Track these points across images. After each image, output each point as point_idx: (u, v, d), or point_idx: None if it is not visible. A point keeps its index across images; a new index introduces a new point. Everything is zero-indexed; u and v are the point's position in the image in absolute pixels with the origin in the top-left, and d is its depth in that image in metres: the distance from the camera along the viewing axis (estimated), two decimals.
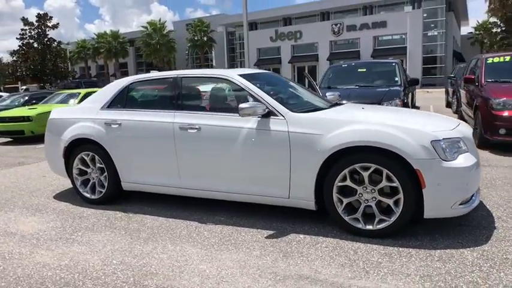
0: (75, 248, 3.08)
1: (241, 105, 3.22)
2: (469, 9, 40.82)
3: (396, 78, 7.24)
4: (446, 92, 13.79)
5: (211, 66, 50.21)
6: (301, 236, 3.10)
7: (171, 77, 3.88)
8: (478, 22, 42.27)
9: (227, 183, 3.47)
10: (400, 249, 2.78)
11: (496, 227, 3.07)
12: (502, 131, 5.63)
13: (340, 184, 3.03)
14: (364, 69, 7.71)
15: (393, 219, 2.90)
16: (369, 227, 2.98)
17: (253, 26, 44.42)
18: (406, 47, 31.67)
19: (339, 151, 2.96)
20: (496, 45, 24.81)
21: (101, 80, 28.48)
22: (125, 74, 50.18)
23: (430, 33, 33.17)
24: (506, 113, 5.63)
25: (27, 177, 5.69)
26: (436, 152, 2.77)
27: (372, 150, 2.90)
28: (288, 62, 39.75)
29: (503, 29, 24.78)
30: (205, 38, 43.90)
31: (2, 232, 3.52)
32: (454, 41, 35.96)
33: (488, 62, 6.84)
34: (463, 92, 8.70)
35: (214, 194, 3.58)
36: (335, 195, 3.05)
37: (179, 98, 3.74)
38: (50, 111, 10.11)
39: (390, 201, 2.90)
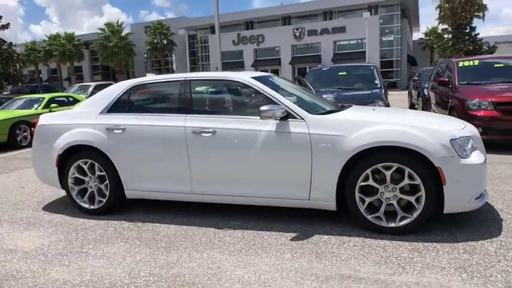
0: (92, 262, 2.89)
1: (262, 108, 3.20)
2: (420, 16, 43.48)
3: (376, 81, 7.53)
4: (409, 94, 14.51)
5: (172, 70, 49.36)
6: (326, 236, 3.13)
7: (178, 80, 3.77)
8: (428, 28, 45.12)
9: (244, 187, 3.42)
10: (425, 244, 2.89)
11: (503, 219, 3.29)
12: (479, 130, 6.02)
13: (362, 184, 3.10)
14: (345, 73, 7.95)
15: (415, 215, 3.01)
16: (392, 224, 3.07)
17: (215, 29, 44.29)
18: (364, 51, 33.01)
19: (361, 152, 3.04)
20: (448, 50, 26.65)
21: (56, 85, 26.94)
22: (80, 78, 47.96)
23: (386, 39, 34.85)
24: (481, 113, 6.05)
25: (4, 190, 5.26)
26: (454, 150, 2.92)
27: (394, 150, 2.99)
28: (251, 66, 39.97)
29: (453, 35, 26.68)
30: (165, 41, 43.05)
31: (1, 249, 3.22)
32: (408, 46, 38.08)
33: (459, 65, 7.32)
34: (432, 94, 9.24)
35: (230, 198, 3.52)
36: (357, 195, 3.11)
37: (189, 101, 3.64)
38: (10, 118, 9.44)
39: (412, 199, 3.01)
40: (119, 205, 4.02)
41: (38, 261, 2.95)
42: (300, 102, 3.65)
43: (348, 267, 2.61)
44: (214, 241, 3.16)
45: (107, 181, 3.87)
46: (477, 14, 28.26)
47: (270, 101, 3.39)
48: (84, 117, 3.99)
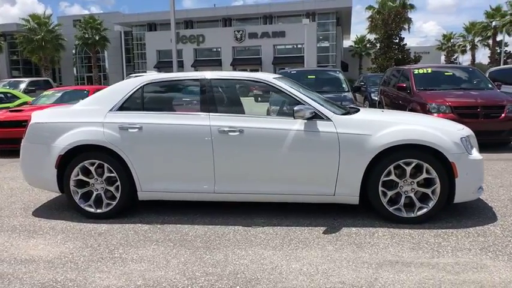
0: (135, 266, 2.76)
1: (296, 108, 3.32)
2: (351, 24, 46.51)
3: (344, 85, 8.04)
4: (354, 98, 15.56)
5: (103, 68, 46.56)
6: (353, 228, 3.35)
7: (198, 79, 3.72)
8: (357, 37, 48.47)
9: (271, 185, 3.51)
10: (443, 230, 3.26)
11: (492, 207, 3.81)
12: None
13: (385, 179, 3.38)
14: (314, 76, 8.35)
15: (431, 205, 3.37)
16: (411, 214, 3.40)
17: (152, 26, 42.81)
18: (303, 56, 34.45)
19: (385, 149, 3.32)
20: (380, 58, 29.04)
21: None
22: None
23: (322, 45, 36.77)
24: (440, 116, 6.81)
25: None
26: (464, 147, 3.34)
27: (414, 148, 3.32)
28: (191, 66, 39.39)
29: (385, 44, 29.15)
30: (97, 37, 40.37)
31: (14, 260, 2.91)
32: (341, 52, 40.59)
33: (414, 73, 8.13)
34: (384, 98, 10.10)
35: (256, 196, 3.57)
36: (380, 189, 3.39)
37: (213, 100, 3.62)
38: None
39: (428, 191, 3.37)
40: (128, 208, 3.84)
41: (71, 270, 2.73)
42: (320, 103, 3.83)
43: (390, 254, 2.85)
44: (250, 238, 3.20)
45: (118, 183, 3.68)
46: (403, 26, 31.19)
47: (295, 101, 3.53)
48: (90, 115, 3.73)
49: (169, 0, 14.77)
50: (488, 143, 6.71)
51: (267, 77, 3.68)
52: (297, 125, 3.44)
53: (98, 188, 3.76)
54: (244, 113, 3.67)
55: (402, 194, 3.42)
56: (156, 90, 3.87)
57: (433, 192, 3.36)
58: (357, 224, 3.45)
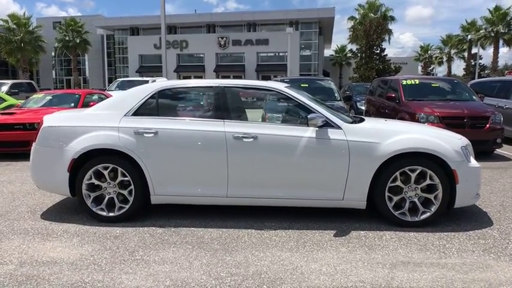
0: (159, 268, 2.84)
1: (310, 116, 3.49)
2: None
3: (336, 94, 8.30)
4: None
5: (83, 71, 45.73)
6: (362, 232, 3.52)
7: (212, 86, 3.84)
8: (338, 46, 49.62)
9: (282, 190, 3.65)
10: (445, 233, 3.47)
11: (486, 212, 4.08)
12: None
13: (391, 185, 3.58)
14: (307, 85, 8.58)
15: (433, 210, 3.59)
16: (414, 218, 3.60)
17: (135, 31, 42.49)
18: (286, 64, 34.96)
19: (392, 156, 3.52)
20: (362, 68, 29.85)
21: None
22: None
23: (305, 53, 37.41)
24: (429, 125, 7.14)
25: None
26: (464, 155, 3.58)
27: (419, 155, 3.54)
28: (174, 71, 39.24)
29: (367, 54, 30.01)
30: (78, 40, 39.65)
31: (36, 262, 2.93)
32: (322, 61, 41.38)
33: (403, 84, 8.47)
34: (370, 107, 10.46)
35: (267, 201, 3.70)
36: (387, 194, 3.59)
37: (227, 107, 3.74)
38: None
39: (431, 196, 3.59)
40: (140, 211, 3.89)
41: (96, 271, 2.78)
42: (330, 112, 4.00)
43: (401, 255, 3.03)
44: (265, 241, 3.33)
45: (131, 186, 3.73)
46: (384, 37, 32.20)
47: (306, 110, 3.70)
48: (105, 119, 3.79)
49: (151, 5, 14.78)
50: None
51: (279, 86, 3.84)
52: (308, 132, 3.61)
53: (110, 192, 3.81)
54: (258, 120, 3.81)
55: (407, 199, 3.63)
56: (171, 97, 3.97)
57: (435, 197, 3.59)
58: (364, 227, 3.63)
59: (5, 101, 11.16)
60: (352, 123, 3.82)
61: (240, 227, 3.64)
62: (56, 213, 4.08)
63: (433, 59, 46.64)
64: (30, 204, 4.42)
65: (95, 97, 9.68)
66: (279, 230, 3.58)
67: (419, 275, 2.71)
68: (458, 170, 3.52)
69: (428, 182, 3.57)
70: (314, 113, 3.62)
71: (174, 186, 3.72)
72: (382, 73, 26.90)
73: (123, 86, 14.59)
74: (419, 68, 49.69)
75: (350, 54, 41.92)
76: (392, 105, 8.62)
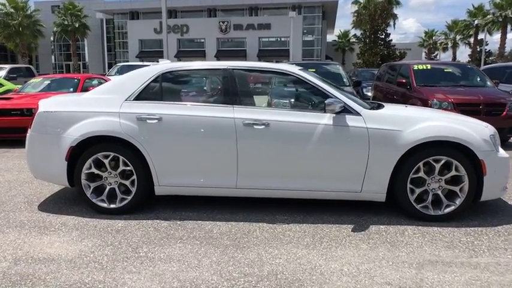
0: (165, 267, 2.60)
1: (328, 101, 3.21)
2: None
3: (344, 80, 7.98)
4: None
5: (83, 56, 45.11)
6: (382, 226, 3.28)
7: (221, 69, 3.55)
8: (341, 31, 48.77)
9: (296, 181, 3.39)
10: (471, 228, 3.23)
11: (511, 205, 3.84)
12: None
13: (413, 176, 3.33)
14: (314, 70, 8.22)
15: (458, 203, 3.34)
16: (438, 212, 3.36)
17: (134, 15, 41.74)
18: (288, 49, 34.33)
19: (416, 146, 3.25)
20: (366, 53, 29.29)
21: None
22: None
23: (307, 38, 36.75)
24: None
25: None
26: (493, 144, 3.32)
27: (445, 144, 3.27)
28: (174, 57, 38.67)
29: (372, 39, 29.41)
30: (77, 24, 38.90)
31: (32, 259, 2.70)
32: (325, 46, 40.72)
33: (414, 69, 8.14)
34: (378, 93, 10.14)
35: (280, 192, 3.45)
36: (408, 186, 3.33)
37: (236, 91, 3.46)
38: None
39: (456, 189, 3.33)
40: (143, 203, 3.65)
41: (97, 270, 2.55)
42: (348, 97, 3.72)
43: (427, 253, 2.80)
44: (278, 236, 3.09)
45: (134, 176, 3.48)
46: (389, 22, 31.51)
47: (323, 94, 3.42)
48: (104, 104, 3.51)
49: None
50: None
51: (293, 68, 3.55)
52: (325, 119, 3.33)
53: (111, 182, 3.56)
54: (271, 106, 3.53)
55: (429, 191, 3.38)
56: (176, 80, 3.68)
57: (461, 190, 3.33)
58: (383, 221, 3.39)
59: (3, 85, 10.87)
60: (371, 109, 3.54)
61: (251, 221, 3.40)
62: (54, 204, 3.84)
63: (438, 44, 45.86)
64: (28, 194, 4.18)
65: (95, 82, 9.37)
66: (292, 224, 3.34)
67: (451, 276, 2.47)
68: (487, 160, 3.26)
69: (453, 173, 3.31)
70: (331, 98, 3.34)
71: (180, 176, 3.47)
72: (386, 59, 26.37)
73: (123, 71, 14.21)
74: (423, 54, 48.96)
75: (354, 40, 41.19)
76: (402, 91, 8.29)
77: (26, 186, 4.45)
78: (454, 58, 43.38)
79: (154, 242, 2.99)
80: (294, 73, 3.51)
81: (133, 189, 3.51)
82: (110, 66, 32.09)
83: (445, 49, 46.00)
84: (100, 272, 2.53)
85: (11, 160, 5.83)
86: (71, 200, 3.93)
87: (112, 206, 3.54)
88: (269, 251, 2.83)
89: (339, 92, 3.46)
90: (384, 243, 2.96)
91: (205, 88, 3.80)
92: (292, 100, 3.65)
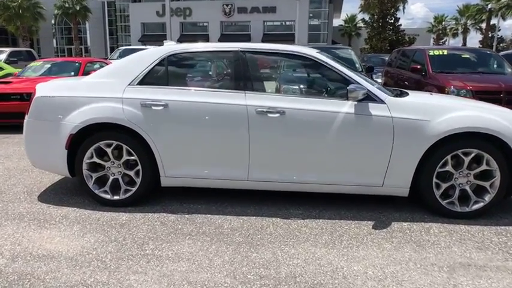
0: (174, 266, 2.40)
1: (351, 87, 2.95)
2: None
3: (357, 65, 7.66)
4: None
5: (84, 40, 44.58)
6: (404, 223, 3.06)
7: (231, 51, 3.28)
8: (348, 16, 47.72)
9: (312, 173, 3.16)
10: (502, 227, 2.99)
11: None
12: None
13: (440, 170, 3.08)
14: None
15: (488, 199, 3.10)
16: (465, 209, 3.12)
17: None
18: (293, 34, 33.65)
19: (445, 137, 3.00)
20: (374, 39, 28.62)
21: None
22: None
23: (313, 23, 35.97)
24: None
25: None
26: None
27: (476, 136, 3.01)
28: (177, 40, 38.06)
29: (380, 24, 28.68)
30: (78, 7, 38.25)
31: (30, 256, 2.50)
32: (331, 31, 39.92)
33: (430, 54, 7.79)
34: (388, 79, 9.80)
35: (295, 185, 3.22)
36: (434, 181, 3.09)
37: (248, 76, 3.19)
38: None
39: (487, 184, 3.09)
40: (148, 195, 3.44)
41: (100, 270, 2.35)
42: (371, 83, 3.44)
43: (457, 255, 2.57)
44: (294, 233, 2.87)
45: (139, 167, 3.26)
46: (398, 6, 30.72)
47: (344, 80, 3.15)
48: (106, 89, 3.26)
49: None
50: None
51: (310, 51, 3.27)
52: (346, 107, 3.07)
53: (114, 172, 3.34)
54: (286, 92, 3.27)
55: (456, 186, 3.13)
56: (183, 63, 3.41)
57: (491, 185, 3.08)
58: (405, 218, 3.16)
59: (2, 69, 10.61)
60: (395, 97, 3.27)
61: (263, 215, 3.18)
62: (55, 195, 3.64)
63: (448, 30, 44.83)
64: (27, 183, 3.98)
65: (96, 66, 9.10)
66: (307, 219, 3.12)
67: (487, 282, 2.25)
68: None
69: (484, 167, 3.05)
70: (353, 83, 3.07)
71: (187, 167, 3.24)
72: (395, 44, 25.78)
73: (126, 55, 13.84)
74: (431, 40, 47.97)
75: (361, 24, 40.30)
76: (416, 78, 7.96)
77: (26, 175, 4.25)
78: (464, 44, 42.41)
79: (161, 237, 2.79)
80: (312, 56, 3.23)
81: (138, 180, 3.29)
82: (112, 50, 31.64)
83: (455, 35, 44.97)
84: (103, 272, 2.33)
85: (11, 146, 5.62)
86: (72, 191, 3.73)
87: (115, 197, 3.33)
88: (285, 249, 2.62)
89: (361, 78, 3.19)
90: (409, 243, 2.73)
91: (214, 72, 3.54)
92: (309, 86, 3.37)
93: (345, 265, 2.43)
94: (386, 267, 2.41)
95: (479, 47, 38.23)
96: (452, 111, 3.05)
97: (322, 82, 3.31)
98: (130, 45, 36.70)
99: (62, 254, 2.53)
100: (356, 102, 3.07)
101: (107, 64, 9.32)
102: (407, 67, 8.48)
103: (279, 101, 3.11)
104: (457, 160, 3.10)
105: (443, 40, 47.69)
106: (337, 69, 3.18)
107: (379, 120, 3.03)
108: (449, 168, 3.08)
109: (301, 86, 3.42)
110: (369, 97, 3.08)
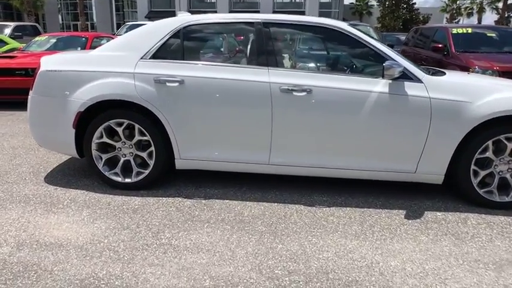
0: (193, 258, 2.20)
1: (387, 64, 2.66)
2: None
3: None
4: None
5: (90, 16, 43.87)
6: (438, 213, 2.82)
7: (253, 22, 2.98)
8: None
9: (340, 158, 2.91)
10: None
11: None
12: None
13: (479, 156, 2.82)
14: None
15: None
16: (504, 198, 2.88)
17: None
18: (304, 11, 32.83)
19: (487, 121, 2.73)
20: (387, 17, 27.73)
21: None
22: None
23: (324, 0, 34.96)
24: None
25: None
26: None
27: None
28: None
29: (394, 2, 27.69)
30: None
31: (37, 244, 2.31)
32: (342, 9, 38.85)
33: (453, 32, 7.38)
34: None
35: (320, 171, 2.98)
36: (472, 168, 2.84)
37: (272, 50, 2.91)
38: None
39: None
40: (161, 177, 3.22)
41: (112, 261, 2.16)
42: (405, 59, 3.14)
43: (502, 250, 2.34)
44: (320, 222, 2.65)
45: (152, 147, 3.04)
46: None
47: (377, 56, 2.86)
48: (116, 63, 3.00)
49: None
50: None
51: (340, 23, 2.96)
52: (379, 85, 2.79)
53: (125, 154, 3.12)
54: (313, 69, 2.98)
55: (496, 174, 2.88)
56: (200, 35, 3.12)
57: None
58: (439, 207, 2.93)
59: (7, 44, 10.33)
60: (432, 76, 2.98)
61: (285, 202, 2.97)
62: (62, 176, 3.44)
63: (462, 9, 43.39)
64: (33, 163, 3.78)
65: (104, 41, 8.78)
66: (333, 207, 2.90)
67: None
68: None
69: None
70: (389, 60, 2.78)
71: (204, 148, 3.01)
72: (409, 23, 24.94)
73: None
74: (444, 20, 46.54)
75: (373, 2, 39.09)
76: (437, 58, 7.57)
77: (31, 154, 4.05)
78: (479, 23, 41.20)
79: (178, 225, 2.58)
80: (342, 29, 2.92)
81: (151, 163, 3.07)
82: (118, 26, 31.06)
83: (469, 14, 43.59)
84: (116, 263, 2.14)
85: (16, 124, 5.42)
86: (80, 172, 3.53)
87: (127, 180, 3.13)
88: (313, 241, 2.41)
89: (396, 54, 2.89)
90: (447, 235, 2.51)
91: (234, 46, 3.25)
92: (339, 62, 3.08)
93: (380, 260, 2.22)
94: (425, 262, 2.19)
95: None
96: (494, 93, 2.76)
97: (352, 58, 3.01)
98: (137, 21, 36.06)
99: (70, 242, 2.34)
100: (391, 81, 2.79)
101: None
102: (427, 46, 8.09)
103: (305, 78, 2.84)
104: (497, 146, 2.83)
105: (456, 20, 46.29)
106: (371, 44, 2.88)
107: (415, 100, 2.76)
108: (489, 154, 2.82)
109: (330, 62, 3.12)
110: (405, 75, 2.80)
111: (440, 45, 7.42)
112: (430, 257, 2.26)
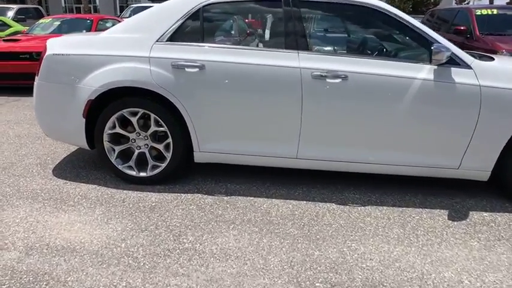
0: (221, 267, 1.96)
1: (435, 48, 2.36)
2: None
3: None
4: None
5: None
6: (485, 214, 2.56)
7: (282, 0, 2.67)
8: None
9: (377, 152, 2.64)
10: None
11: None
12: None
13: None
14: None
15: None
16: None
17: None
18: None
19: None
20: (396, 0, 26.90)
21: None
22: None
23: None
24: None
25: None
26: None
27: None
28: None
29: None
30: None
31: (47, 248, 2.09)
32: None
33: (477, 14, 6.98)
34: None
35: (354, 166, 2.71)
36: None
37: (302, 32, 2.61)
38: None
39: None
40: (179, 172, 2.98)
41: (132, 270, 1.93)
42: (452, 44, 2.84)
43: None
44: (357, 224, 2.41)
45: (169, 139, 2.78)
46: None
47: (422, 40, 2.55)
48: (129, 46, 2.72)
49: None
50: None
51: (380, 2, 2.64)
52: (423, 72, 2.50)
53: (140, 145, 2.87)
54: (348, 53, 2.68)
55: None
56: (222, 15, 2.82)
57: None
58: (484, 206, 2.67)
59: (10, 27, 10.02)
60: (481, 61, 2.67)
61: (314, 200, 2.72)
62: (72, 168, 3.21)
63: None
64: (40, 153, 3.55)
65: (109, 24, 8.44)
66: (368, 206, 2.64)
67: None
68: None
69: None
70: (436, 43, 2.48)
71: (226, 140, 2.75)
72: (419, 6, 24.18)
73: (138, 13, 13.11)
74: (453, 1, 45.24)
75: None
76: (459, 41, 7.16)
77: (38, 144, 3.82)
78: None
79: (201, 226, 2.35)
80: (382, 9, 2.61)
81: (168, 155, 2.82)
82: (122, 9, 30.42)
83: None
84: (136, 272, 1.91)
85: (21, 110, 5.18)
86: (90, 164, 3.29)
87: (142, 174, 2.89)
88: (352, 246, 2.17)
89: (440, 37, 2.58)
90: (501, 241, 2.25)
91: (261, 27, 2.95)
92: (378, 45, 2.77)
93: (431, 270, 1.97)
94: (484, 274, 1.95)
95: None
96: None
97: (393, 41, 2.71)
98: (140, 3, 35.34)
99: (84, 247, 2.12)
100: (436, 67, 2.49)
101: (119, 22, 8.66)
102: (447, 29, 7.69)
103: (340, 63, 2.54)
104: None
105: (466, 1, 44.98)
106: (415, 26, 2.56)
107: (463, 88, 2.46)
108: None
109: (368, 45, 2.82)
110: (452, 60, 2.50)
111: (462, 28, 7.03)
112: (487, 267, 2.01)
